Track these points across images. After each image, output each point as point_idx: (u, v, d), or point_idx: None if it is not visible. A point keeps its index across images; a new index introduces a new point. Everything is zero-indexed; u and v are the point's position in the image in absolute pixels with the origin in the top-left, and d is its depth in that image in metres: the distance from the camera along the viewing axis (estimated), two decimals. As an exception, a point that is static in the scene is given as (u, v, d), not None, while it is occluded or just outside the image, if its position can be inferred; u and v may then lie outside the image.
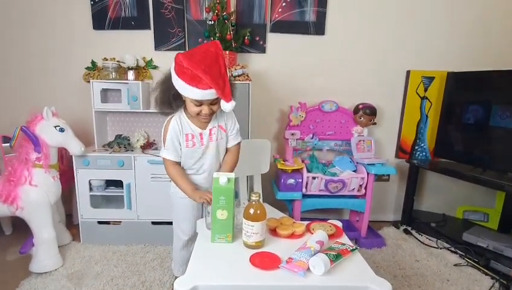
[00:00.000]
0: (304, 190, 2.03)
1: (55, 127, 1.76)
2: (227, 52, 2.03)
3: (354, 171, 2.14)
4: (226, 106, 1.13)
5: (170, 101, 1.23)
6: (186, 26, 2.25)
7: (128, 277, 1.71)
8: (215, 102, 1.18)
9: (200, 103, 1.16)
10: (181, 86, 1.13)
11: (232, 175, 1.09)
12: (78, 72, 2.26)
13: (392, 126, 2.45)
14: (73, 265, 1.81)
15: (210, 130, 1.29)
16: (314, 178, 2.03)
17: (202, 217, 1.42)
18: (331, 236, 1.14)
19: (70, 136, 1.82)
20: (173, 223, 1.52)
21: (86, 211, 2.03)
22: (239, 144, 1.40)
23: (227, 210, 1.05)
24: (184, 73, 1.10)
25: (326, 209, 2.15)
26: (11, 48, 2.27)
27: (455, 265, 1.89)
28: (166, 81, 1.22)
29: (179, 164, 1.34)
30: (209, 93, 1.12)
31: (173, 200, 1.47)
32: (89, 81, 2.10)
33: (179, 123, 1.26)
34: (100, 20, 2.22)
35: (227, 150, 1.40)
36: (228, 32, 2.02)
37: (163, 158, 1.31)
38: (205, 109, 1.17)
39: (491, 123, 2.01)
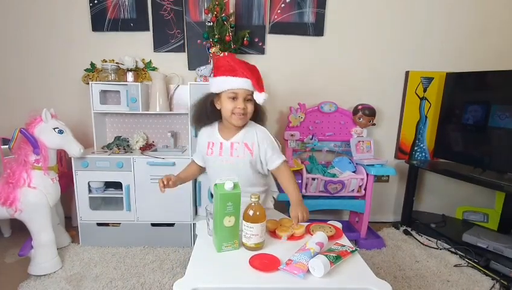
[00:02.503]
0: (303, 190, 2.03)
1: (54, 129, 1.75)
2: (226, 53, 2.03)
3: (354, 172, 2.14)
4: (259, 96, 1.21)
5: (207, 111, 1.30)
6: (185, 28, 2.25)
7: (127, 279, 1.70)
8: (249, 97, 1.23)
9: (235, 96, 1.21)
10: (219, 82, 1.22)
11: (236, 179, 1.07)
12: (77, 73, 2.26)
13: (391, 127, 2.45)
14: (73, 267, 1.80)
15: (232, 143, 1.28)
16: (313, 179, 2.03)
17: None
18: (330, 237, 1.14)
19: (69, 138, 1.81)
20: None
21: (85, 213, 2.02)
22: (285, 162, 1.31)
23: (235, 216, 1.02)
24: (221, 70, 1.22)
25: (325, 210, 2.14)
26: (10, 50, 2.27)
27: (455, 266, 1.89)
28: (204, 97, 1.33)
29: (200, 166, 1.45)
30: (245, 82, 1.20)
31: None
32: (88, 83, 2.10)
33: (208, 129, 1.34)
34: (99, 22, 2.22)
35: (273, 173, 1.35)
36: (227, 34, 2.02)
37: None
38: (240, 103, 1.21)
39: (490, 123, 2.01)
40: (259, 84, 1.22)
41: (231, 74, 1.19)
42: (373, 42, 2.32)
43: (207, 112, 1.30)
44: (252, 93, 1.24)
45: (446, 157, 2.34)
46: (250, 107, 1.25)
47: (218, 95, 1.26)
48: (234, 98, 1.22)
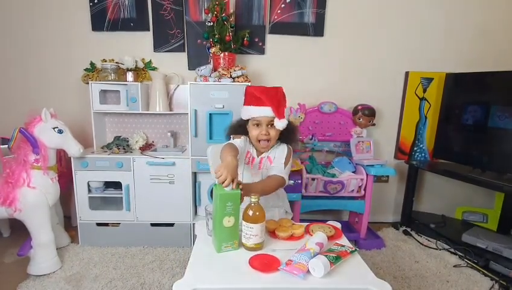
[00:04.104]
0: (303, 191, 2.03)
1: (54, 128, 1.75)
2: (226, 53, 2.03)
3: (353, 172, 2.14)
4: (278, 123, 1.27)
5: (237, 129, 1.40)
6: (185, 28, 2.25)
7: (127, 279, 1.70)
8: (272, 123, 1.30)
9: (259, 122, 1.30)
10: (246, 110, 1.33)
11: (236, 180, 1.06)
12: (76, 73, 2.26)
13: (391, 127, 2.45)
14: (72, 267, 1.80)
15: (261, 158, 1.39)
16: (313, 179, 2.03)
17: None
18: (330, 238, 1.14)
19: (69, 138, 1.81)
20: None
21: (84, 213, 2.02)
22: (281, 178, 1.31)
23: (234, 216, 1.02)
24: (247, 100, 1.33)
25: (325, 210, 2.15)
26: (9, 49, 2.26)
27: (455, 266, 1.89)
28: (238, 120, 1.43)
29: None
30: (266, 110, 1.27)
31: None
32: (87, 83, 2.10)
33: (247, 139, 1.39)
34: (99, 22, 2.22)
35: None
36: (227, 34, 2.02)
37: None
38: (263, 130, 1.30)
39: (489, 124, 2.01)
40: (279, 111, 1.27)
41: (254, 104, 1.29)
42: (373, 42, 2.32)
43: (241, 131, 1.39)
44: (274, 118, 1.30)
45: (446, 158, 2.34)
46: (273, 132, 1.31)
47: (247, 120, 1.37)
48: (258, 125, 1.31)
